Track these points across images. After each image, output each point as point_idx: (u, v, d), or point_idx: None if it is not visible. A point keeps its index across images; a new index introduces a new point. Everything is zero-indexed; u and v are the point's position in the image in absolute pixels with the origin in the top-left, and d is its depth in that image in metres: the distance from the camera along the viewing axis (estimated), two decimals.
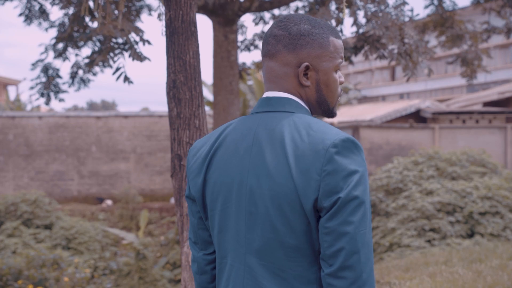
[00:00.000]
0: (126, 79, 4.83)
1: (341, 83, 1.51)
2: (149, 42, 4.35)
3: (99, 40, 6.05)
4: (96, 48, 6.15)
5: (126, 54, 5.03)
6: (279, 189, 1.34)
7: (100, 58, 5.13)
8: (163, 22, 2.69)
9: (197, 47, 2.67)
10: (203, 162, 1.51)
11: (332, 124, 13.74)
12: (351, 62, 6.86)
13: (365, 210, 1.32)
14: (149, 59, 4.43)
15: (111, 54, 5.15)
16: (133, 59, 4.36)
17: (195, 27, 2.66)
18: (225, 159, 1.46)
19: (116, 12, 4.40)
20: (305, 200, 1.32)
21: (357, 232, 1.30)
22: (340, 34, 1.59)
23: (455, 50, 9.36)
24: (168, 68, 2.68)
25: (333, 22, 5.34)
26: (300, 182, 1.32)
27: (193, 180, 1.52)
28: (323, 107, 1.48)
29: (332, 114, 1.51)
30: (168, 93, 2.69)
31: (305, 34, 1.42)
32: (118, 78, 4.68)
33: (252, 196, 1.39)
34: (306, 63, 1.42)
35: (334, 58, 1.44)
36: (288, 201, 1.33)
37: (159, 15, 2.72)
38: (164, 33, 2.68)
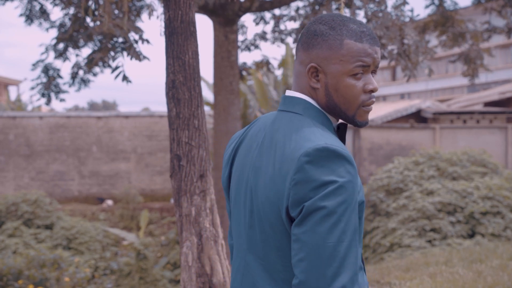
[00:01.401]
0: (125, 78, 4.83)
1: (368, 90, 1.38)
2: (148, 42, 4.35)
3: (99, 40, 6.06)
4: (96, 48, 6.16)
5: (126, 53, 5.03)
6: (266, 192, 1.35)
7: (100, 55, 5.13)
8: (161, 22, 2.69)
9: (196, 47, 2.67)
10: (230, 154, 1.55)
11: None
12: None
13: (337, 222, 1.23)
14: (148, 59, 4.44)
15: (111, 53, 5.16)
16: (131, 58, 4.37)
17: (194, 27, 2.65)
18: (243, 154, 1.48)
19: (116, 11, 4.40)
20: (281, 207, 1.32)
21: (322, 244, 1.23)
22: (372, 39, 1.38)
23: (456, 50, 9.37)
24: (167, 68, 2.68)
25: None
26: (279, 189, 1.32)
27: (223, 171, 1.58)
28: (337, 114, 1.40)
29: (354, 123, 1.41)
30: (167, 93, 2.69)
31: (318, 34, 1.37)
32: (116, 77, 4.68)
33: (251, 195, 1.40)
34: (312, 64, 1.38)
35: (347, 62, 1.35)
36: (272, 205, 1.34)
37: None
38: (162, 33, 2.68)
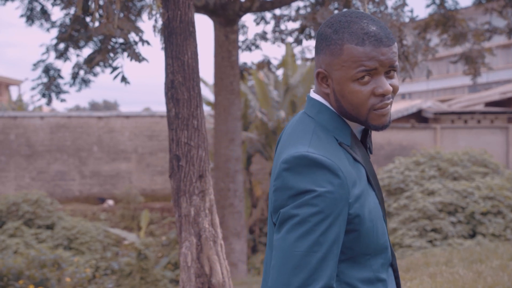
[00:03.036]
0: (123, 79, 4.84)
1: (378, 94, 1.31)
2: (148, 43, 4.36)
3: (100, 40, 6.06)
4: (97, 48, 6.16)
5: (125, 54, 5.03)
6: (270, 194, 1.36)
7: (100, 57, 5.14)
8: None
9: (196, 47, 2.67)
10: (275, 148, 1.56)
11: None
12: None
13: (309, 231, 1.21)
14: (147, 61, 4.45)
15: (111, 54, 5.16)
16: (131, 59, 4.38)
17: (194, 27, 2.65)
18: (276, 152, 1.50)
19: (115, 11, 4.40)
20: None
21: (290, 252, 1.22)
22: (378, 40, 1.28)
23: (458, 50, 9.37)
24: (166, 68, 2.68)
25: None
26: (271, 193, 1.33)
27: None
28: (350, 118, 1.35)
29: (369, 127, 1.36)
30: (166, 94, 2.69)
31: (323, 38, 1.33)
32: (115, 77, 4.69)
33: (270, 194, 1.43)
34: (319, 69, 1.35)
35: (349, 68, 1.29)
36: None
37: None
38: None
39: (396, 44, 1.34)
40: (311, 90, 1.44)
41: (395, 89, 1.35)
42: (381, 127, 1.36)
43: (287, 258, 1.22)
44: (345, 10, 1.51)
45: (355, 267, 1.31)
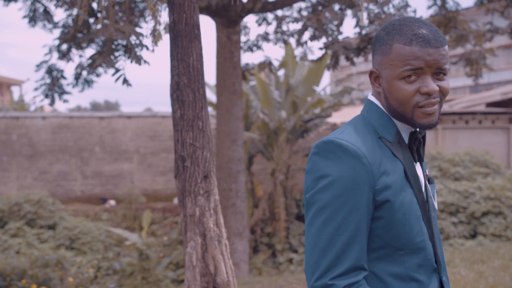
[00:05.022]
0: (125, 81, 4.86)
1: (423, 93, 1.35)
2: (147, 48, 4.39)
3: (102, 41, 6.09)
4: (99, 49, 6.18)
5: (127, 56, 5.06)
6: None
7: (101, 59, 5.17)
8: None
9: (201, 49, 2.70)
10: None
11: (334, 124, 13.72)
12: (353, 63, 6.91)
13: (333, 215, 1.28)
14: (148, 63, 4.49)
15: (112, 57, 5.19)
16: (131, 61, 4.41)
17: (199, 30, 2.68)
18: None
19: (119, 14, 4.43)
20: None
21: (317, 236, 1.29)
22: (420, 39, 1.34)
23: (459, 50, 9.38)
24: (171, 70, 2.71)
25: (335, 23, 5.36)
26: None
27: None
28: (398, 117, 1.40)
29: (415, 125, 1.39)
30: (171, 95, 2.71)
31: (377, 40, 1.42)
32: (117, 79, 4.71)
33: None
34: (372, 69, 1.43)
35: (396, 66, 1.36)
36: None
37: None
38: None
39: (446, 47, 1.38)
40: (369, 93, 1.51)
41: (444, 91, 1.39)
42: (426, 126, 1.39)
43: (316, 243, 1.30)
44: (404, 16, 1.59)
45: (386, 260, 1.35)
